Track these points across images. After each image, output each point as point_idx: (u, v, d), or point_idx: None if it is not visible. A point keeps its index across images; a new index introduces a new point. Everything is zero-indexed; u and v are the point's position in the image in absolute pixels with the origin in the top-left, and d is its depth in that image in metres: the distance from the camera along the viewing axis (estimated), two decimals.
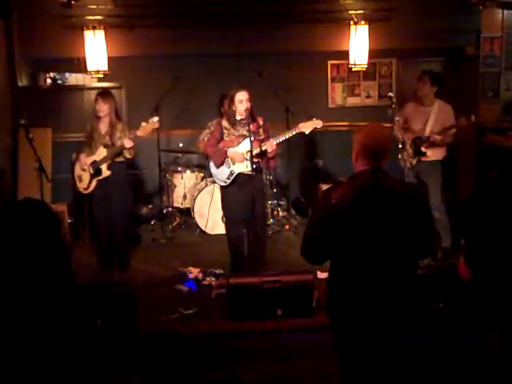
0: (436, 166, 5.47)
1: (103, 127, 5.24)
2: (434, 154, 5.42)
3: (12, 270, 1.89)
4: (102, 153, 5.18)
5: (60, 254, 1.97)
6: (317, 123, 4.84)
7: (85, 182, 5.29)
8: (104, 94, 5.31)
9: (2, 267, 1.90)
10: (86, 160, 5.23)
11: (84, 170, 5.26)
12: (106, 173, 5.21)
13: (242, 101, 4.80)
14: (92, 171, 5.21)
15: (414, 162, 5.37)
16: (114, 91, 7.17)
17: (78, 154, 5.36)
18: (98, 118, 5.23)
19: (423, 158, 5.39)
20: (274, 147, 4.84)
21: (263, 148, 4.83)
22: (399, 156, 5.46)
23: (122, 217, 5.35)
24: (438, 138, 5.29)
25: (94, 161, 5.20)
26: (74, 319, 1.96)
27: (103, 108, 5.18)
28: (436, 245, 5.11)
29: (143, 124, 5.07)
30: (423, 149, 5.36)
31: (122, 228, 5.38)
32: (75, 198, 6.31)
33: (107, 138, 5.20)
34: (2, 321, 1.88)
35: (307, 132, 4.85)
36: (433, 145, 5.37)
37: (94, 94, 5.57)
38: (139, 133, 5.05)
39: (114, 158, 5.18)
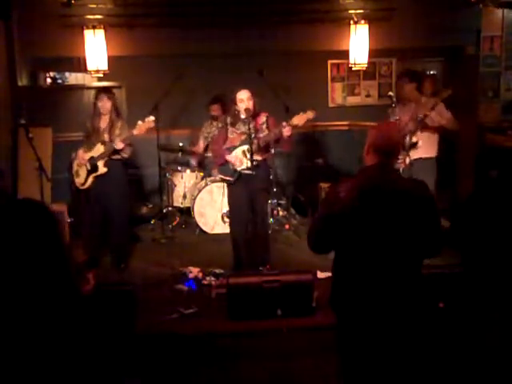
0: (429, 164, 5.40)
1: (103, 124, 5.27)
2: (426, 151, 5.35)
3: (10, 272, 1.89)
4: (99, 149, 5.22)
5: (59, 255, 1.96)
6: (308, 114, 4.82)
7: (82, 178, 5.33)
8: (107, 91, 5.36)
9: (0, 269, 1.89)
10: (83, 155, 5.28)
11: (81, 165, 5.30)
12: (102, 170, 5.24)
13: (242, 100, 4.83)
14: (89, 167, 5.26)
15: (409, 159, 5.25)
16: (113, 91, 7.22)
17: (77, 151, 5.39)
18: (99, 115, 5.26)
19: (416, 155, 5.29)
20: (289, 131, 4.77)
21: (285, 134, 4.80)
22: None
23: (120, 215, 5.36)
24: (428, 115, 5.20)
25: (92, 157, 5.25)
26: (76, 321, 1.95)
27: (107, 105, 5.21)
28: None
29: (139, 123, 5.09)
30: (414, 139, 5.28)
31: (120, 226, 5.39)
32: (73, 197, 6.28)
33: (105, 135, 5.24)
34: (0, 323, 1.87)
35: (300, 124, 4.83)
36: (424, 127, 5.26)
37: (94, 93, 5.57)
38: (135, 132, 5.08)
39: (110, 155, 5.21)
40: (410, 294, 2.58)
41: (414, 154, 5.30)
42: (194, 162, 7.03)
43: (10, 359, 1.85)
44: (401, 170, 5.32)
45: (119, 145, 5.11)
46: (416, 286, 2.59)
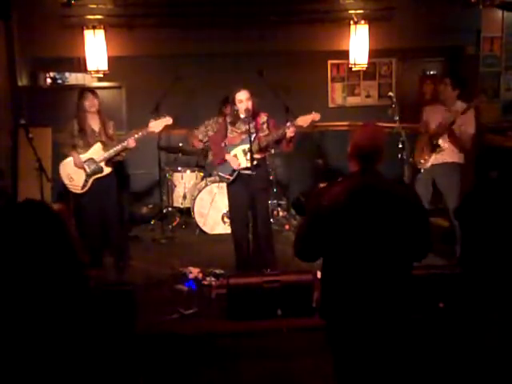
0: (455, 169, 5.30)
1: (95, 124, 5.17)
2: (452, 156, 5.26)
3: (19, 274, 1.88)
4: (98, 150, 5.10)
5: (67, 255, 1.96)
6: (314, 116, 4.81)
7: (79, 181, 5.12)
8: (92, 90, 5.26)
9: (9, 271, 1.89)
10: (79, 158, 5.09)
11: (78, 168, 5.09)
12: (107, 170, 5.14)
13: (241, 101, 4.83)
14: (89, 170, 5.11)
15: (431, 161, 5.24)
16: (113, 91, 7.22)
17: (68, 151, 5.15)
18: (87, 115, 5.13)
19: (441, 159, 5.24)
20: (293, 131, 4.77)
21: (288, 134, 4.77)
22: (410, 159, 5.32)
23: (115, 215, 5.31)
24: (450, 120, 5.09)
25: (91, 158, 5.10)
26: (87, 319, 1.95)
27: (95, 102, 5.11)
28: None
29: (153, 121, 5.03)
30: (440, 141, 5.18)
31: (117, 225, 5.35)
32: (59, 197, 6.10)
33: (102, 135, 5.14)
34: (10, 324, 1.87)
35: (305, 125, 4.82)
36: (451, 138, 5.18)
37: (77, 93, 5.37)
38: (155, 129, 5.05)
39: (116, 156, 5.14)
40: (400, 296, 2.54)
41: (439, 158, 5.24)
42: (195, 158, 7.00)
43: (17, 357, 1.85)
44: (422, 170, 5.29)
45: (132, 143, 5.03)
46: (405, 288, 2.56)
